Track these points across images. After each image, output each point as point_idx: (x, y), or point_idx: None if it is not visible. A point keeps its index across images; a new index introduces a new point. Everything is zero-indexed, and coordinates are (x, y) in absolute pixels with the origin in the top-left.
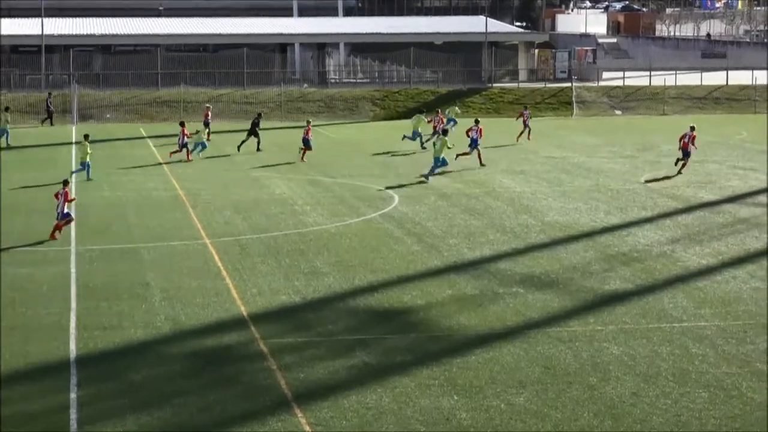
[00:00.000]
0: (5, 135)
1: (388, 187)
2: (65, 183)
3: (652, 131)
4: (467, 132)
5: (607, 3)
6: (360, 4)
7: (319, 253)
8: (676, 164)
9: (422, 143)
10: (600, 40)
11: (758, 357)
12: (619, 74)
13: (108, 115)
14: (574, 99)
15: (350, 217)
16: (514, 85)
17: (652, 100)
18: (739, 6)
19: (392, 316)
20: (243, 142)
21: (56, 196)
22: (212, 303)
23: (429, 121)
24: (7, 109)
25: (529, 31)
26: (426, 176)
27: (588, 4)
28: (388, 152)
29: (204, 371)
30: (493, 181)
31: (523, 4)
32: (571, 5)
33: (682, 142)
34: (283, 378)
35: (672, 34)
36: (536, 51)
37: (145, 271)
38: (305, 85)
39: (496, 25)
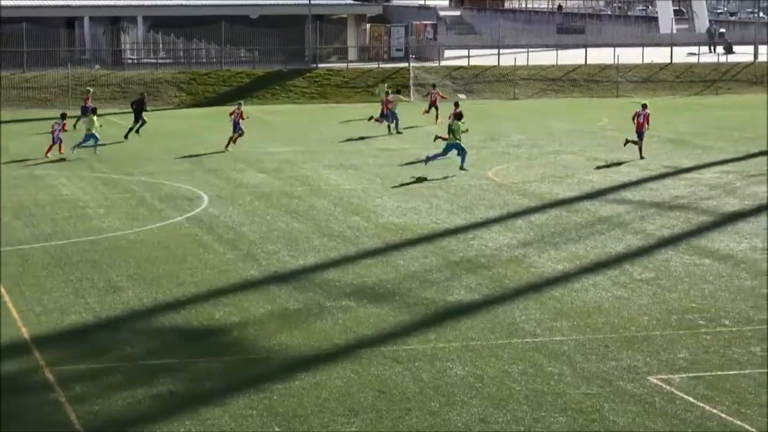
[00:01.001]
0: (91, 140)
1: (195, 186)
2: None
3: (501, 118)
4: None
5: None
6: None
7: (116, 264)
8: (625, 145)
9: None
10: (441, 13)
11: (621, 375)
12: (464, 53)
13: None
14: (411, 81)
15: (152, 222)
16: (342, 65)
17: (500, 83)
18: None
19: (202, 337)
20: (131, 129)
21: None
22: None
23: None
24: (94, 111)
25: (360, 2)
26: (462, 167)
27: None
28: (196, 145)
29: None
30: (319, 177)
31: None
32: None
33: (636, 122)
34: (74, 412)
35: (523, 6)
36: (368, 26)
37: None
38: (97, 66)
39: None
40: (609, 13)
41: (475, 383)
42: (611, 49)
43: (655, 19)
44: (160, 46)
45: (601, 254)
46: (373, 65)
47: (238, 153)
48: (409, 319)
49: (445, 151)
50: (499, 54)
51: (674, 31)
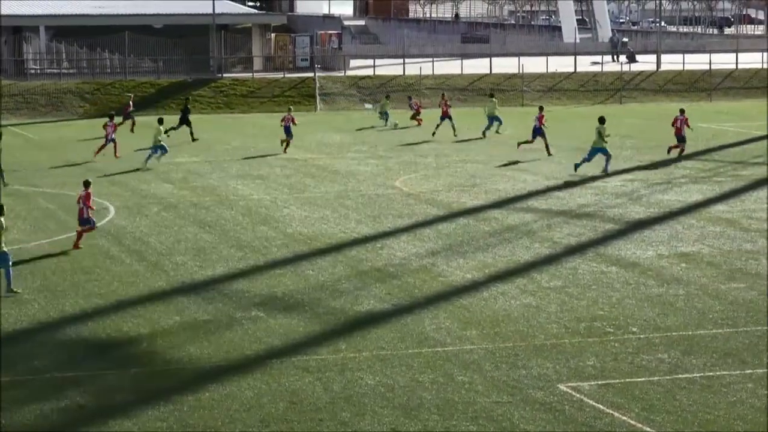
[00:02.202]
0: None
1: (101, 197)
2: (87, 184)
3: (408, 127)
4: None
5: None
6: None
7: (21, 276)
8: (669, 152)
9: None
10: (346, 23)
11: (531, 383)
12: (369, 62)
13: None
14: (317, 91)
15: (57, 233)
16: (248, 75)
17: (406, 92)
18: None
19: (110, 349)
20: (173, 128)
21: (78, 200)
22: None
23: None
24: (160, 121)
25: (264, 12)
26: (605, 171)
27: None
28: (102, 155)
29: None
30: (226, 187)
31: None
32: None
33: (675, 128)
34: None
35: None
36: (273, 35)
37: None
38: None
39: (226, 5)
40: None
41: (385, 393)
42: (516, 58)
43: (559, 28)
44: (64, 56)
45: (510, 263)
46: (279, 75)
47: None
48: (319, 329)
49: (590, 156)
50: (404, 63)
51: (578, 41)
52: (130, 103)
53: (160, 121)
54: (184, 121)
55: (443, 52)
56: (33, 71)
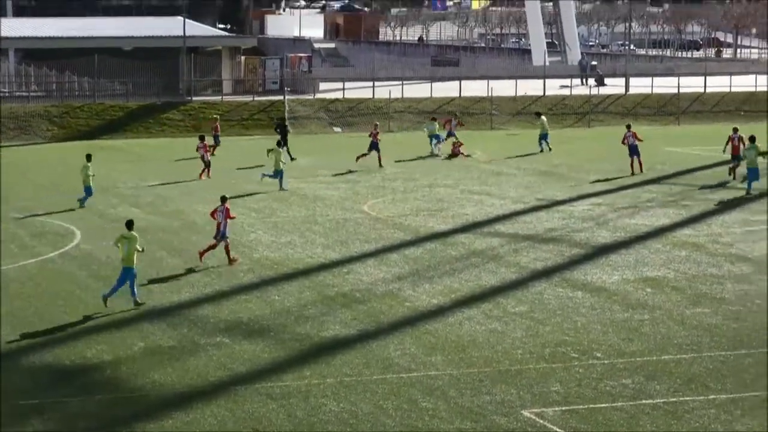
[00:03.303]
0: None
1: (68, 221)
2: (224, 199)
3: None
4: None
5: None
6: (34, 2)
7: None
8: (730, 173)
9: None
10: (316, 45)
11: (495, 409)
12: (339, 85)
13: None
14: (286, 114)
15: (23, 258)
16: (217, 98)
17: (376, 115)
18: (473, 5)
19: (73, 375)
20: (287, 152)
21: (213, 214)
22: None
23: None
24: (279, 144)
25: (235, 34)
26: (748, 190)
27: (302, 3)
28: (69, 179)
29: None
30: (194, 212)
31: (226, 4)
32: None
33: (732, 147)
34: None
35: (398, 38)
36: (243, 58)
37: None
38: None
39: (196, 28)
40: (483, 45)
41: (349, 419)
42: (485, 81)
43: (529, 51)
44: (33, 78)
45: (476, 287)
46: (248, 98)
47: (111, 187)
48: (284, 355)
49: (750, 179)
50: (374, 86)
51: (547, 64)
52: (217, 125)
53: (279, 144)
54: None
55: (413, 75)
56: (2, 94)
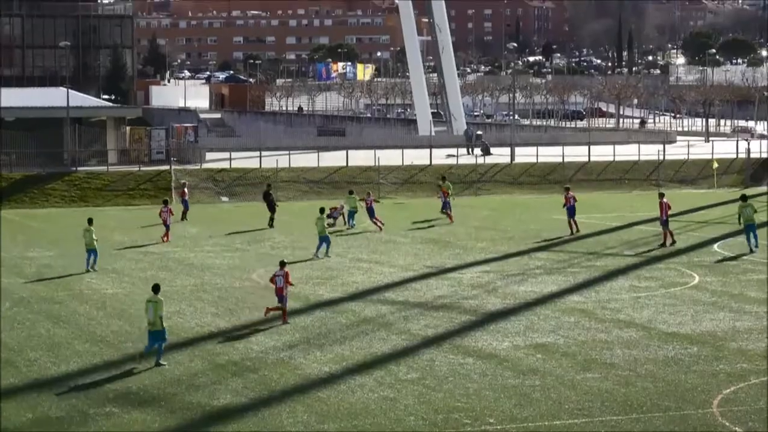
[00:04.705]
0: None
1: None
2: (283, 264)
3: (264, 220)
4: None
5: (209, 73)
6: None
7: None
8: (667, 245)
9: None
10: (202, 116)
11: None
12: (225, 155)
13: None
14: (173, 185)
15: None
16: (102, 168)
17: (262, 185)
18: (359, 76)
19: None
20: (271, 219)
21: (272, 280)
22: None
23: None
24: (322, 211)
25: (119, 105)
26: (751, 248)
27: (187, 74)
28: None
29: None
30: (80, 281)
31: (110, 74)
32: (168, 75)
33: (661, 211)
34: None
35: (284, 108)
36: (128, 128)
37: None
38: None
39: (80, 99)
40: (369, 115)
41: None
42: (372, 150)
43: (414, 121)
44: None
45: (367, 355)
46: (134, 168)
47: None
48: (174, 424)
49: (755, 236)
50: (260, 156)
51: (433, 134)
52: (184, 190)
53: (322, 211)
54: (270, 206)
55: (300, 144)
56: None
